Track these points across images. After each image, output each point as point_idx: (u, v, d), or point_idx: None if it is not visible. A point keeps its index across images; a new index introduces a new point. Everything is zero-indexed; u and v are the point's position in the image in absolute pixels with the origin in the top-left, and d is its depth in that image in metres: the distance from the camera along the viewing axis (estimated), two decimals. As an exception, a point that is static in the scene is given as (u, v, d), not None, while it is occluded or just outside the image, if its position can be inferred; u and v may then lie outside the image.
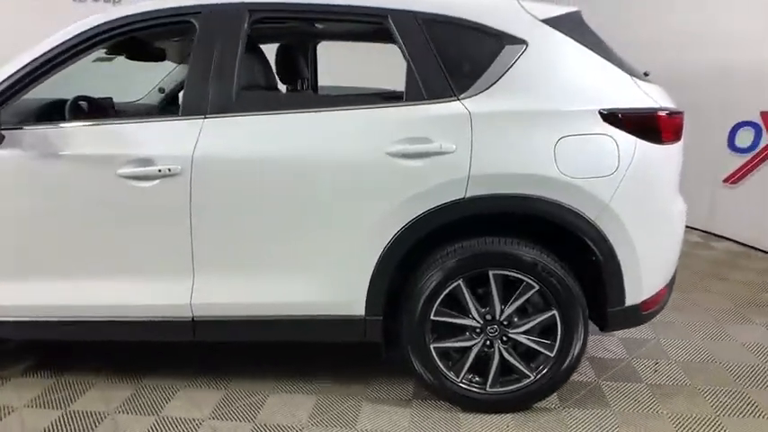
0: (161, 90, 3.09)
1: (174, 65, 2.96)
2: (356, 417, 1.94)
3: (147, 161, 1.77)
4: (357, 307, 1.86)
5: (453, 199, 1.73)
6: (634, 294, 1.84)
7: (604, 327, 1.91)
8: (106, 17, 1.85)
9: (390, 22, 1.83)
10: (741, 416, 1.95)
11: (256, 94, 1.99)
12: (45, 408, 1.98)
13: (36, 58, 1.83)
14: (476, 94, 1.77)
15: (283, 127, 1.81)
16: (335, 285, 1.86)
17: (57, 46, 1.83)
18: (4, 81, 1.82)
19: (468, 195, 1.72)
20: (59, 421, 1.90)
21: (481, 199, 1.73)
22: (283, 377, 2.16)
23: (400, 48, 1.83)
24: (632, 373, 2.23)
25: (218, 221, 1.81)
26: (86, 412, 1.95)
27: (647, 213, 1.80)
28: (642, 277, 1.83)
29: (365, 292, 1.84)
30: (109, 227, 1.86)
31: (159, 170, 1.76)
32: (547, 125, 1.73)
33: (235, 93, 1.81)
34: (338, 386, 2.11)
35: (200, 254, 1.84)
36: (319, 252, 1.84)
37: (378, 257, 1.80)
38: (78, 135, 1.84)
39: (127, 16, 1.86)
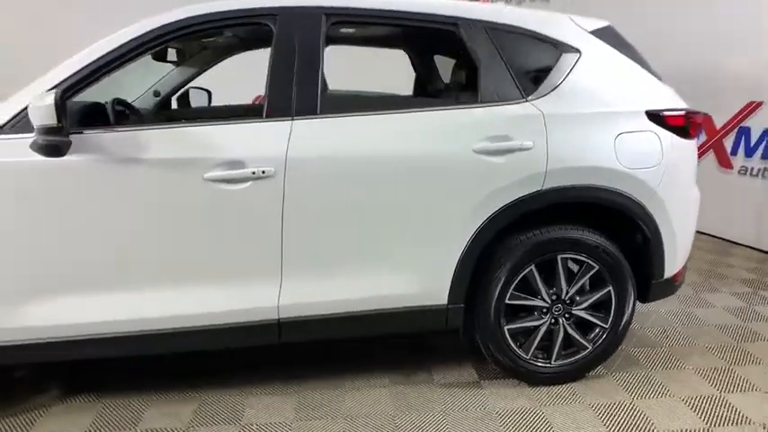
0: (156, 93, 2.96)
1: (171, 68, 2.88)
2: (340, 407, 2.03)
3: (236, 164, 1.75)
4: (441, 296, 1.98)
5: (532, 191, 1.91)
6: (671, 268, 2.14)
7: (646, 298, 2.19)
8: (186, 13, 1.79)
9: (461, 29, 1.97)
10: (745, 364, 2.34)
11: (340, 96, 2.02)
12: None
13: (113, 50, 1.74)
14: (541, 97, 1.97)
15: (373, 127, 1.87)
16: (423, 277, 1.96)
17: (139, 36, 1.76)
18: (75, 73, 1.71)
19: (545, 188, 1.91)
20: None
21: (556, 190, 1.93)
22: (262, 379, 2.18)
23: (470, 54, 1.97)
24: (647, 339, 2.57)
25: (310, 221, 1.83)
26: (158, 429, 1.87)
27: (680, 198, 2.11)
28: (677, 252, 2.14)
29: (450, 282, 1.96)
30: (195, 233, 1.79)
31: (253, 172, 1.74)
32: (606, 124, 1.97)
33: (320, 94, 1.85)
34: (320, 382, 2.18)
35: (289, 254, 1.84)
36: (409, 246, 1.92)
37: (463, 249, 1.93)
38: (155, 138, 1.75)
39: (206, 14, 1.82)
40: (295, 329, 1.93)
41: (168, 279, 1.81)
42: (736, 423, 1.94)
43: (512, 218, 1.94)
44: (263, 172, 1.75)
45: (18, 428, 1.88)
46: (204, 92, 3.00)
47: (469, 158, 1.87)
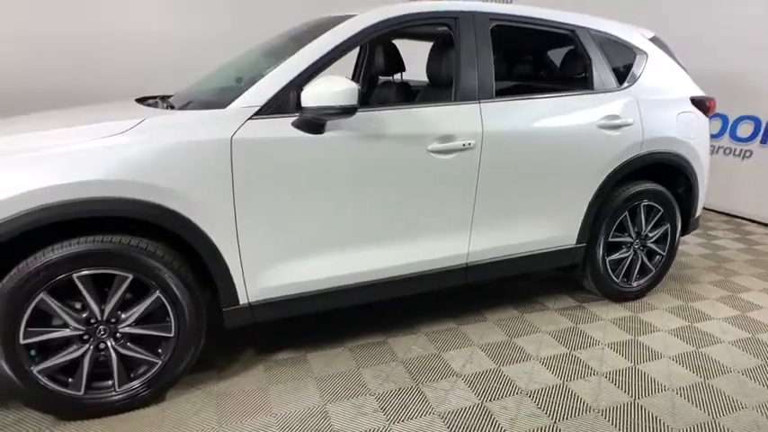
0: (239, 80, 3.12)
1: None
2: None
3: (449, 137, 2.16)
4: (571, 239, 2.61)
5: (634, 155, 2.61)
6: (699, 209, 3.02)
7: (686, 232, 3.03)
8: (395, 11, 2.15)
9: (577, 34, 2.59)
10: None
11: (506, 84, 2.49)
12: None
13: (341, 43, 2.03)
14: (629, 87, 2.67)
15: (530, 109, 2.40)
16: (562, 224, 2.56)
17: (357, 32, 2.07)
18: (313, 63, 1.97)
19: (641, 153, 2.63)
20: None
21: (648, 154, 2.65)
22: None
23: (583, 52, 2.60)
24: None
25: (493, 184, 2.31)
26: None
27: (705, 158, 2.97)
28: (702, 199, 3.01)
29: (579, 227, 2.59)
30: (417, 196, 2.16)
31: (463, 144, 2.18)
32: (670, 106, 2.75)
33: (494, 83, 2.32)
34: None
35: (478, 211, 2.31)
36: (556, 200, 2.50)
37: (589, 200, 2.57)
38: (390, 117, 2.08)
39: (408, 14, 2.18)
40: (476, 272, 2.41)
41: (400, 234, 2.18)
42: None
43: (621, 176, 2.62)
44: (468, 144, 2.20)
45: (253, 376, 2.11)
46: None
47: (595, 132, 2.51)
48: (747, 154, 4.58)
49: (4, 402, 1.93)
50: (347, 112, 1.84)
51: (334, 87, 1.81)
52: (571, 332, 2.56)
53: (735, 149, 4.65)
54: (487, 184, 2.30)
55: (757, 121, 4.48)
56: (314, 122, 1.90)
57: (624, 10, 4.81)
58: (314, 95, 1.83)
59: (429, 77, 2.58)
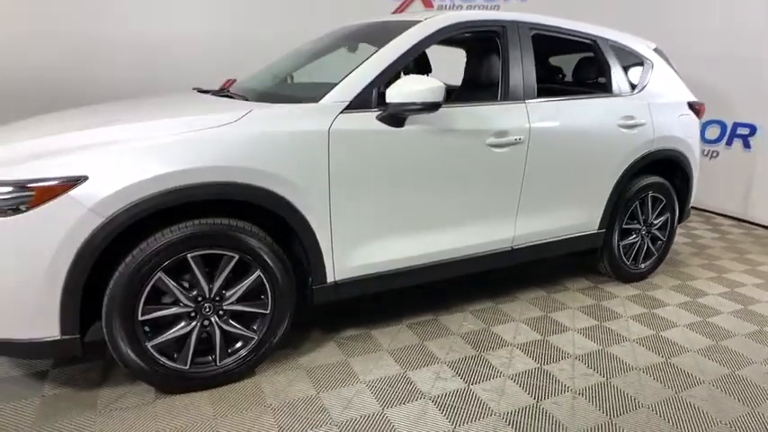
0: (290, 78, 3.29)
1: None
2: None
3: (503, 133, 2.42)
4: (596, 225, 2.93)
5: (647, 151, 2.98)
6: (691, 201, 3.44)
7: (681, 220, 3.42)
8: (460, 17, 2.42)
9: (597, 44, 2.92)
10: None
11: (545, 86, 2.77)
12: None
13: (414, 45, 2.26)
14: (639, 92, 3.04)
15: (566, 109, 2.70)
16: (589, 212, 2.89)
17: (428, 35, 2.30)
18: (392, 64, 2.19)
19: (652, 149, 2.99)
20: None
21: (657, 150, 3.02)
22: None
23: (603, 59, 2.93)
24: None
25: (537, 174, 2.59)
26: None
27: (698, 155, 3.38)
28: (695, 191, 3.43)
29: (601, 215, 2.92)
30: (477, 184, 2.41)
31: (515, 139, 2.44)
32: (673, 109, 3.14)
33: (536, 84, 2.61)
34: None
35: (523, 198, 2.58)
36: (585, 189, 2.82)
37: (611, 190, 2.91)
38: (457, 114, 2.31)
39: (470, 21, 2.46)
40: (519, 254, 2.69)
41: (462, 219, 2.43)
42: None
43: (635, 169, 2.97)
44: (519, 139, 2.47)
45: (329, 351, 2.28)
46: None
47: (616, 130, 2.85)
48: (714, 154, 5.14)
49: (106, 379, 2.02)
50: (432, 107, 2.06)
51: (419, 86, 2.03)
52: (596, 308, 2.88)
53: (704, 150, 5.20)
54: (532, 175, 2.57)
55: (723, 125, 5.04)
56: (397, 117, 2.11)
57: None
58: (399, 93, 2.04)
59: (469, 79, 2.83)
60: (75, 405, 1.87)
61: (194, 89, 2.79)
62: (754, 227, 4.79)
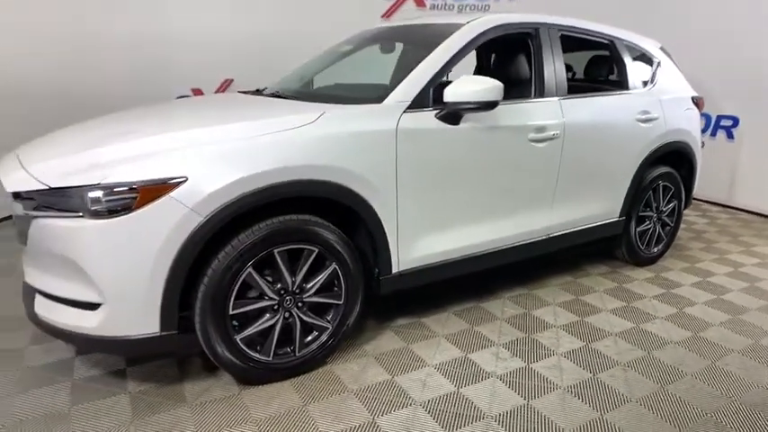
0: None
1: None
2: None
3: (542, 128, 2.59)
4: (616, 212, 3.14)
5: (660, 144, 3.20)
6: (694, 189, 3.71)
7: (686, 207, 3.68)
8: (501, 19, 2.57)
9: (614, 44, 3.13)
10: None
11: (574, 83, 2.94)
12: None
13: (463, 46, 2.40)
14: (651, 88, 3.26)
15: (591, 105, 2.89)
16: (612, 201, 3.09)
17: (474, 37, 2.44)
18: (445, 65, 2.32)
19: (665, 141, 3.22)
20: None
21: (669, 143, 3.26)
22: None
23: (619, 58, 3.14)
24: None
25: (570, 167, 2.77)
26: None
27: (698, 140, 3.64)
28: (697, 180, 3.70)
29: (621, 203, 3.13)
30: (520, 177, 2.58)
31: (553, 134, 2.61)
32: (680, 104, 3.38)
33: (566, 82, 2.78)
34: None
35: (558, 190, 2.76)
36: (608, 181, 3.02)
37: (630, 179, 3.12)
38: (504, 110, 2.43)
39: (510, 23, 2.61)
40: (554, 242, 2.87)
41: (508, 211, 2.59)
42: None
43: (650, 161, 3.20)
44: (556, 134, 2.64)
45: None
46: None
47: (634, 124, 3.06)
48: (700, 145, 5.48)
49: (185, 374, 2.08)
50: (489, 106, 2.20)
51: (478, 85, 2.17)
52: (620, 290, 3.09)
53: (690, 142, 5.54)
54: (566, 168, 2.75)
55: (708, 118, 5.38)
56: (455, 115, 2.24)
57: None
58: (455, 93, 2.18)
59: (500, 78, 2.97)
60: (166, 399, 1.94)
61: (239, 92, 2.86)
62: (738, 212, 5.14)
